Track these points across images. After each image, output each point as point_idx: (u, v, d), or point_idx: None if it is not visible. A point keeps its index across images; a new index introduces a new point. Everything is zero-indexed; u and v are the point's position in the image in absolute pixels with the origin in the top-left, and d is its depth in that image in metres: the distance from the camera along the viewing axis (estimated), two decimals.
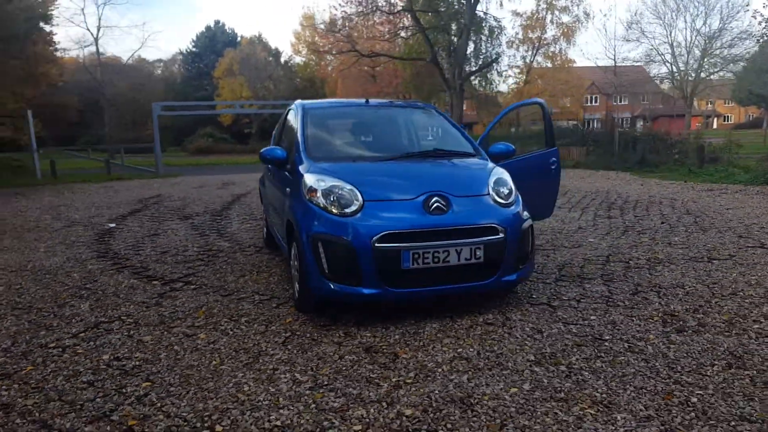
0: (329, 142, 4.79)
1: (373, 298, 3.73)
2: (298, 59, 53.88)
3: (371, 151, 4.73)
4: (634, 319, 3.91)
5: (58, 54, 29.10)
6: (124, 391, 2.94)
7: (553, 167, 5.64)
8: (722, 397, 2.75)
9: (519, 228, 4.00)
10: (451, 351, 3.36)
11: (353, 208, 3.78)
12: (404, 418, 2.59)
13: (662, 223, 7.71)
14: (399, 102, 6.53)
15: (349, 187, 3.87)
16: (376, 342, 3.54)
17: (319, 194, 3.88)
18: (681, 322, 3.82)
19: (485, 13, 27.54)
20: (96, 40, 48.53)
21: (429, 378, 3.00)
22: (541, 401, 2.73)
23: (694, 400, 2.72)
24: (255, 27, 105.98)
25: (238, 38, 57.33)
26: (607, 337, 3.56)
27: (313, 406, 2.72)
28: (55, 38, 31.82)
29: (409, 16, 26.18)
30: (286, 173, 4.60)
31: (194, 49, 59.13)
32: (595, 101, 57.40)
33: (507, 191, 4.17)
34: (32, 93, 24.38)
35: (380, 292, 3.69)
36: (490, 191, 4.08)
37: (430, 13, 26.00)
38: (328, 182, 3.93)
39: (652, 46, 43.16)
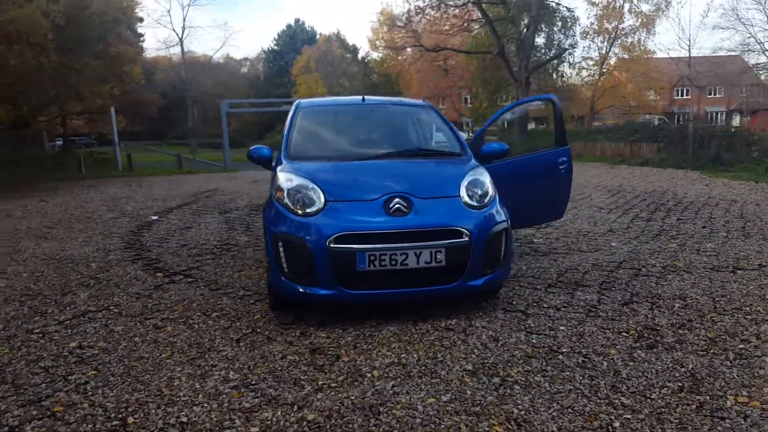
0: (313, 141, 4.81)
1: (328, 299, 3.72)
2: (375, 55, 54.41)
3: (353, 151, 4.70)
4: (606, 331, 3.66)
5: (146, 54, 31.15)
6: (69, 378, 3.12)
7: (562, 167, 5.37)
8: (651, 424, 2.52)
9: (488, 231, 3.85)
10: (393, 356, 3.30)
11: (315, 208, 3.78)
12: (305, 423, 2.57)
13: (703, 227, 7.15)
14: (395, 100, 6.44)
15: (312, 186, 3.89)
16: (327, 343, 3.53)
17: (285, 194, 3.92)
18: (657, 338, 3.54)
19: (557, 4, 26.58)
20: (181, 40, 51.22)
21: (355, 383, 2.97)
22: (452, 414, 2.63)
23: (617, 424, 2.52)
24: (333, 24, 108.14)
25: (317, 36, 58.73)
26: (565, 350, 3.36)
27: (226, 405, 2.77)
28: (145, 39, 33.98)
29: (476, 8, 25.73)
30: (273, 172, 4.68)
31: (276, 47, 61.25)
32: (686, 94, 53.83)
33: (481, 193, 4.03)
34: (116, 91, 26.24)
35: (335, 293, 3.68)
36: (462, 193, 3.95)
37: (497, 5, 25.42)
38: (295, 182, 3.96)
39: (750, 34, 39.90)
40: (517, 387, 2.88)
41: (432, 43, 28.40)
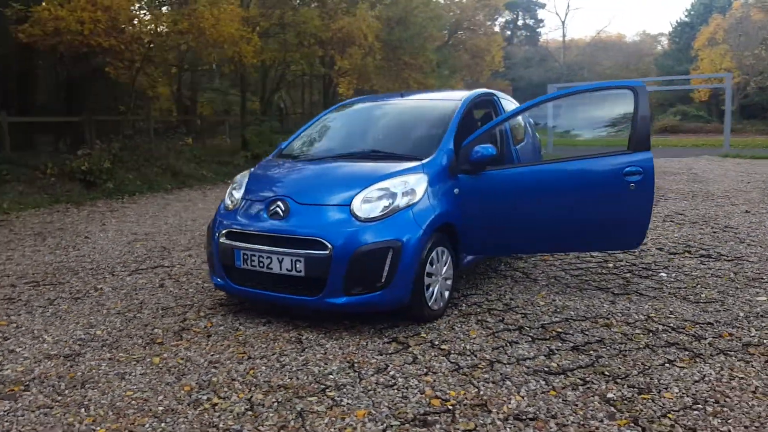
0: (313, 141, 4.93)
1: (220, 288, 4.03)
2: None
3: (325, 150, 4.66)
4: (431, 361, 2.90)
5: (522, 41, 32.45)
6: None
7: (631, 180, 4.03)
8: None
9: (355, 247, 3.45)
10: (205, 355, 3.38)
11: (231, 204, 4.11)
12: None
13: None
14: (437, 94, 5.57)
15: (241, 183, 4.20)
16: (203, 335, 3.83)
17: (228, 190, 4.34)
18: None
19: None
20: (563, 23, 50.85)
21: (126, 378, 3.22)
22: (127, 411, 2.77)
23: None
24: None
25: (732, 2, 49.72)
26: (330, 384, 2.89)
27: None
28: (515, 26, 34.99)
29: None
30: None
31: (686, 19, 54.71)
32: None
33: (383, 206, 3.59)
34: (480, 78, 28.55)
35: (224, 284, 3.97)
36: (355, 202, 3.62)
37: None
38: (237, 180, 4.33)
39: None
40: (209, 407, 2.75)
41: None
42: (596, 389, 2.86)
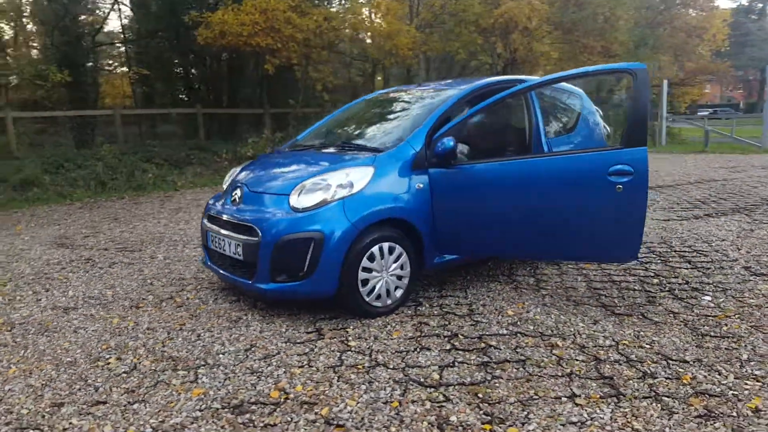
0: (316, 132, 4.99)
1: (204, 265, 4.41)
2: None
3: (312, 142, 4.72)
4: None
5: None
6: None
7: (619, 182, 3.49)
8: None
9: (280, 236, 3.54)
10: (152, 322, 3.78)
11: (222, 191, 4.48)
12: None
13: None
14: (444, 84, 4.91)
15: (232, 172, 4.55)
16: (174, 305, 4.29)
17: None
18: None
19: None
20: None
21: (77, 332, 3.74)
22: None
23: None
24: None
25: None
26: (211, 362, 3.06)
27: None
28: None
29: None
30: None
31: None
32: None
33: (318, 198, 3.62)
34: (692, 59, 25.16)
35: (203, 261, 4.36)
36: (294, 193, 3.70)
37: None
38: (234, 169, 4.68)
39: None
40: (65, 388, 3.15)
41: None
42: (446, 410, 2.59)
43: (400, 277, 3.83)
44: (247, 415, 2.58)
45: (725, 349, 3.16)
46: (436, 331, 3.50)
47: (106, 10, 19.45)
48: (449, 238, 3.97)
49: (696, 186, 9.63)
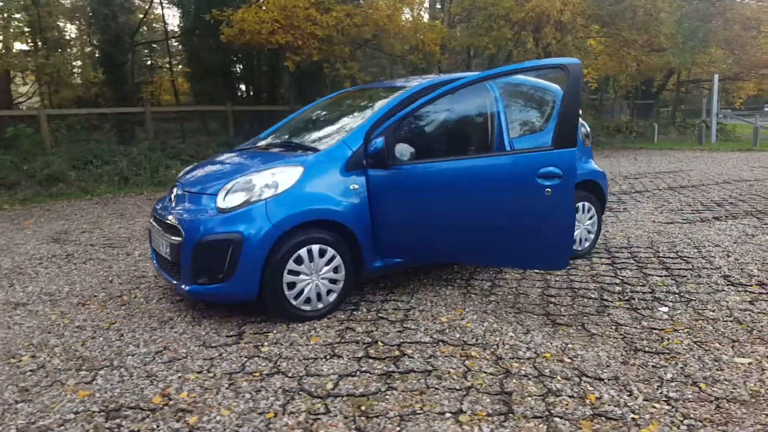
0: (272, 131, 4.93)
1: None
2: None
3: (261, 142, 4.69)
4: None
5: None
6: None
7: (548, 185, 3.28)
8: None
9: (199, 237, 3.49)
10: (86, 320, 3.83)
11: None
12: None
13: None
14: (405, 81, 4.64)
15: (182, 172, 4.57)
16: (118, 304, 4.34)
17: None
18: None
19: None
20: None
21: (12, 327, 3.87)
22: None
23: None
24: None
25: None
26: (117, 364, 3.05)
27: None
28: None
29: None
30: None
31: None
32: None
33: (243, 198, 3.56)
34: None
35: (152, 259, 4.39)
36: (221, 193, 3.65)
37: None
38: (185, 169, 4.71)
39: None
40: None
41: None
42: (319, 422, 2.49)
43: (334, 281, 3.72)
44: (117, 420, 2.55)
45: (651, 366, 2.91)
46: (358, 338, 3.39)
47: (147, 9, 20.10)
48: (387, 242, 3.84)
49: (721, 186, 9.04)
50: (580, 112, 5.15)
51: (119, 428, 2.49)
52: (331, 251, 3.68)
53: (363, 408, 2.60)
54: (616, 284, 4.24)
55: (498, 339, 3.30)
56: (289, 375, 2.94)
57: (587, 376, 2.82)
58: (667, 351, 3.08)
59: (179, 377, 2.94)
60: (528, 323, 3.53)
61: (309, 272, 3.61)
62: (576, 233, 4.87)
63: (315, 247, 3.61)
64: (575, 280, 4.37)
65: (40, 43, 18.44)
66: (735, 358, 2.97)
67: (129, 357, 3.21)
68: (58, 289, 4.56)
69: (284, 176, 3.61)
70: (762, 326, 3.37)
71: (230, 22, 12.47)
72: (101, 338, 3.50)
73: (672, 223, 6.34)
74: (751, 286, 4.11)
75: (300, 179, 3.61)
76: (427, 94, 3.81)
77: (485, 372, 2.90)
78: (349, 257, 3.77)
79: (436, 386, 2.77)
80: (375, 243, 3.85)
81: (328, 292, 3.71)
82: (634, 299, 3.90)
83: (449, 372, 2.92)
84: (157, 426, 2.49)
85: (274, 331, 3.52)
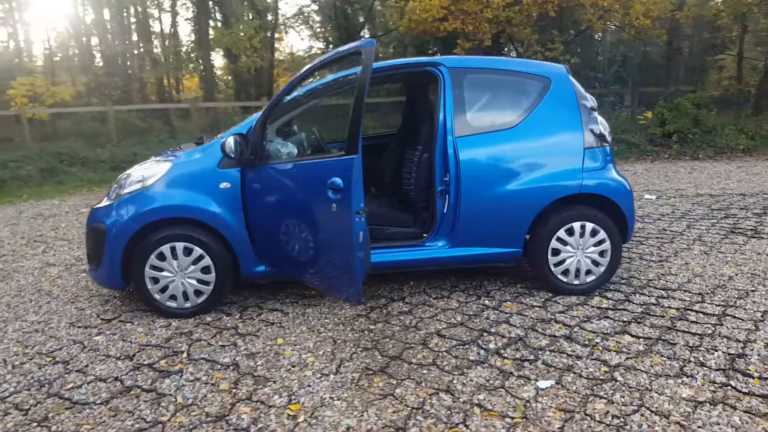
0: None
1: None
2: None
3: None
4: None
5: None
6: None
7: (334, 198, 2.79)
8: None
9: (89, 224, 3.78)
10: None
11: None
12: None
13: None
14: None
15: None
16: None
17: None
18: None
19: None
20: None
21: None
22: None
23: None
24: None
25: None
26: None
27: None
28: None
29: None
30: None
31: None
32: None
33: (120, 191, 3.74)
34: None
35: None
36: (113, 186, 3.88)
37: None
38: None
39: None
40: None
41: None
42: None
43: (205, 282, 3.65)
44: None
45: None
46: (179, 347, 3.27)
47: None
48: (261, 246, 3.60)
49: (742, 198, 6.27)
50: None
51: None
52: (198, 251, 3.60)
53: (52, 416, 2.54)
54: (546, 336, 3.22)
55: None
56: (75, 370, 3.01)
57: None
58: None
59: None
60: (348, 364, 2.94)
61: (173, 270, 3.60)
62: (569, 261, 3.84)
63: (179, 245, 3.58)
64: (498, 321, 3.44)
65: None
66: None
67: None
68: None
69: (152, 172, 3.65)
70: None
71: (403, 14, 12.60)
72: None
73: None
74: None
75: (164, 176, 3.61)
76: (293, 91, 3.42)
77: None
78: (223, 259, 3.63)
79: (105, 411, 2.55)
80: (253, 246, 3.63)
81: (197, 292, 3.65)
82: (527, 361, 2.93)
83: (170, 394, 2.65)
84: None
85: (136, 322, 3.61)
